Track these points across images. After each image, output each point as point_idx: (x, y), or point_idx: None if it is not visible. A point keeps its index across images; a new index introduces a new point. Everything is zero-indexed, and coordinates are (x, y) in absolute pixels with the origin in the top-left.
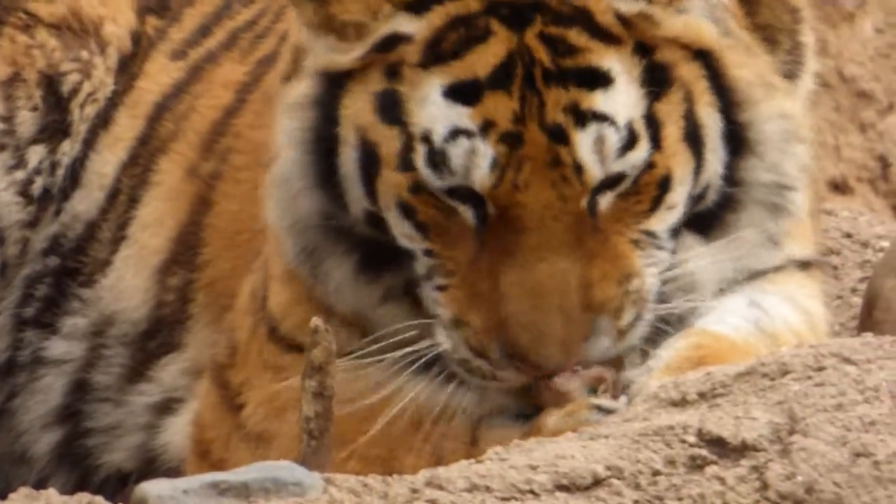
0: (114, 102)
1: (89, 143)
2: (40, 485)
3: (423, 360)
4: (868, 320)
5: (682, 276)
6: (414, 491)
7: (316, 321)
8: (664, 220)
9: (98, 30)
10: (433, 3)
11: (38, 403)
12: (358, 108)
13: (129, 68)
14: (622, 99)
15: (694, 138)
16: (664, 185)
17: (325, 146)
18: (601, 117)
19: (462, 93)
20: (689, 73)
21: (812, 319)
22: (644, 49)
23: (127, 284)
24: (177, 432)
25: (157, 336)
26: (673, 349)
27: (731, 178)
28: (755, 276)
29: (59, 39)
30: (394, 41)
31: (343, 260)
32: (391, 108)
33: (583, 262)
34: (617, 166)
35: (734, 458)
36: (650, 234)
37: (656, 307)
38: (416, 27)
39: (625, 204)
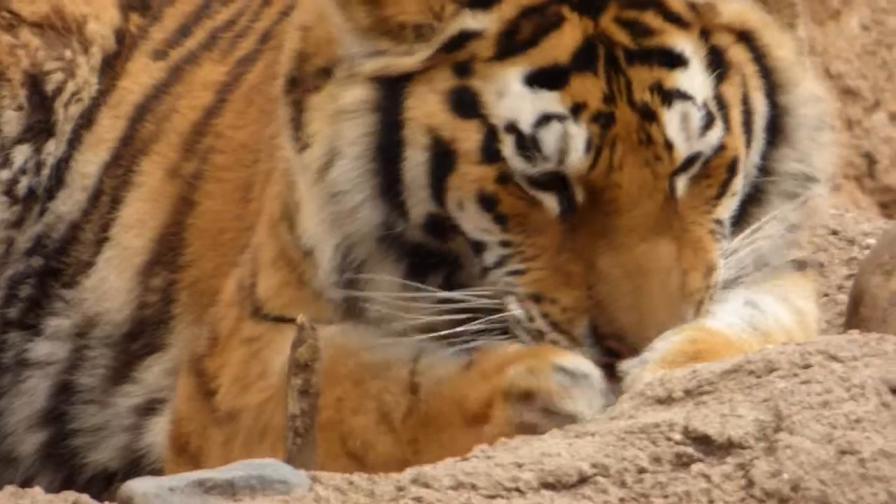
0: (97, 102)
1: (73, 143)
2: (26, 484)
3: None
4: (854, 317)
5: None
6: (399, 489)
7: (302, 318)
8: (728, 208)
9: (81, 28)
10: None
11: (23, 405)
12: (427, 108)
13: (112, 67)
14: (698, 79)
15: (748, 125)
16: (733, 167)
17: (388, 153)
18: (684, 95)
19: (545, 78)
20: (739, 55)
21: (805, 319)
22: (706, 33)
23: (109, 286)
24: (160, 433)
25: (140, 337)
26: (669, 342)
27: (765, 168)
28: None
29: (42, 38)
30: (462, 39)
31: (393, 269)
32: (467, 104)
33: (676, 245)
34: (699, 145)
35: (720, 456)
36: (719, 223)
37: None
38: (485, 22)
39: (698, 189)
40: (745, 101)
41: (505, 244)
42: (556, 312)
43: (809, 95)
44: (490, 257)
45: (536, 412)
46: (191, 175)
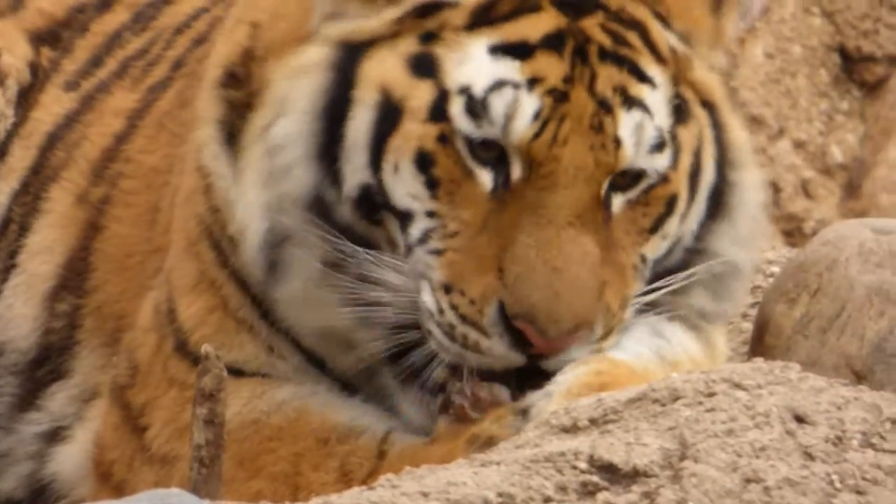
0: (10, 134)
1: None
2: None
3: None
4: (759, 346)
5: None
6: None
7: (207, 347)
8: (656, 249)
9: None
10: None
11: None
12: (384, 68)
13: (24, 100)
14: (660, 104)
15: (693, 181)
16: (671, 204)
17: (334, 112)
18: (645, 108)
19: (511, 49)
20: (701, 116)
21: (713, 350)
22: (675, 80)
23: (16, 313)
24: (66, 461)
25: (46, 363)
26: (573, 374)
27: (699, 241)
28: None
29: None
30: (436, 7)
31: (316, 251)
32: (425, 66)
33: (602, 254)
34: (645, 161)
35: (625, 485)
36: (643, 261)
37: None
38: None
39: (633, 215)
40: (697, 156)
41: (431, 214)
42: (465, 304)
43: (756, 182)
44: (414, 231)
45: None
46: (99, 200)
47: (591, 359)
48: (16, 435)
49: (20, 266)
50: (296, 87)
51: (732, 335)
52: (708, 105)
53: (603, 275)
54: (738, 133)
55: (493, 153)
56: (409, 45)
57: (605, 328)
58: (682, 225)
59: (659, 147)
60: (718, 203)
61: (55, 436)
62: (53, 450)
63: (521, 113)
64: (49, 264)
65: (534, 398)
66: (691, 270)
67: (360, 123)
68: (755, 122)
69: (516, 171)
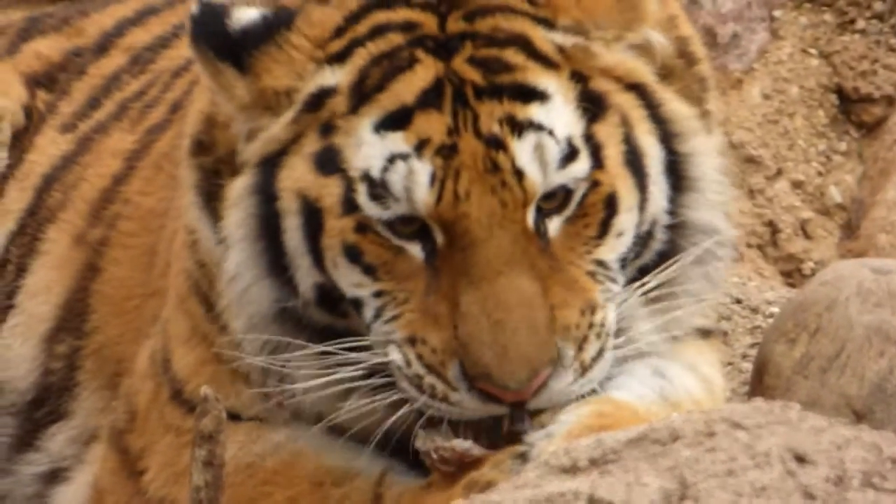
0: (5, 176)
1: None
2: None
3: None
4: (758, 386)
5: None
6: None
7: (206, 389)
8: (614, 249)
9: None
10: (355, 47)
11: None
12: (296, 174)
13: (20, 142)
14: (560, 114)
15: (635, 166)
16: (610, 204)
17: (270, 230)
18: (538, 127)
19: (392, 121)
20: (625, 101)
21: (713, 388)
22: (579, 76)
23: (14, 353)
24: (65, 502)
25: (45, 404)
26: (575, 415)
27: (676, 217)
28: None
29: None
30: (322, 97)
31: (306, 353)
32: (329, 161)
33: (542, 282)
34: (559, 178)
35: None
36: (602, 265)
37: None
38: (340, 76)
39: (574, 229)
40: (629, 142)
41: (378, 294)
42: (428, 354)
43: (710, 147)
44: (368, 312)
45: None
46: (97, 242)
47: (594, 400)
48: (14, 476)
49: (18, 306)
50: (231, 221)
51: (732, 375)
52: (634, 87)
53: (552, 299)
54: (676, 105)
55: (414, 226)
56: (311, 142)
57: (575, 344)
58: (643, 213)
59: (570, 157)
60: (679, 176)
61: (54, 477)
62: (52, 491)
63: (417, 183)
64: (47, 305)
65: (534, 438)
66: (678, 257)
67: (293, 232)
68: (753, 162)
69: (439, 238)
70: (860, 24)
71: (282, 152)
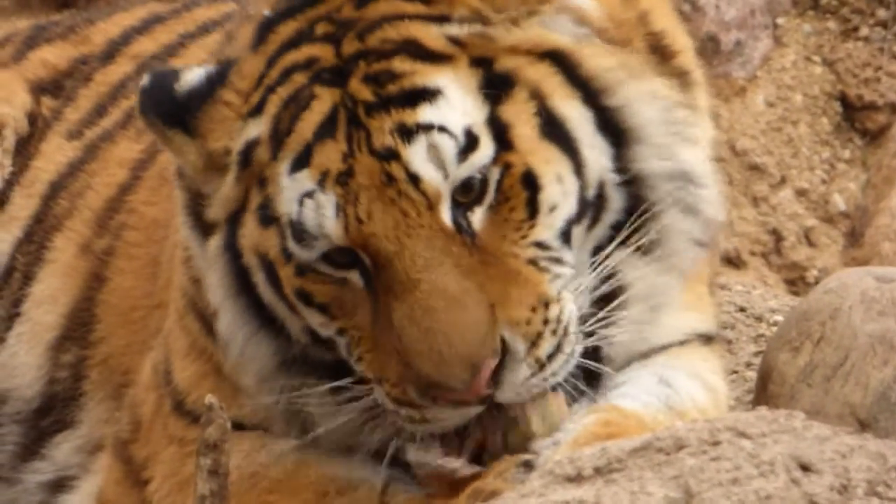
0: (10, 183)
1: None
2: None
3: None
4: (763, 394)
5: (616, 290)
6: None
7: (210, 398)
8: (551, 226)
9: None
10: (269, 95)
11: None
12: (248, 231)
13: (25, 149)
14: (453, 107)
15: (557, 134)
16: (530, 183)
17: (247, 285)
18: (428, 127)
19: (299, 161)
20: (537, 72)
21: (717, 396)
22: (482, 61)
23: (20, 361)
24: None
25: (51, 413)
26: (581, 424)
27: (626, 172)
28: (662, 349)
29: None
30: (250, 151)
31: (320, 391)
32: (266, 213)
33: (472, 278)
34: (463, 171)
35: None
36: (542, 246)
37: (581, 337)
38: (260, 127)
39: (500, 216)
40: (545, 113)
41: (341, 332)
42: (391, 388)
43: (644, 92)
44: (341, 350)
45: None
46: (103, 251)
47: (601, 408)
48: (20, 485)
49: (24, 315)
50: (212, 282)
51: (736, 384)
52: (548, 55)
53: (490, 295)
54: (597, 60)
55: (348, 256)
56: (255, 197)
57: (526, 340)
58: (583, 178)
59: (470, 147)
60: (616, 131)
61: (60, 486)
62: (58, 500)
63: (325, 216)
64: (53, 314)
65: (540, 447)
66: (645, 206)
67: (263, 286)
68: (756, 170)
69: (367, 261)
70: (864, 31)
71: (238, 210)
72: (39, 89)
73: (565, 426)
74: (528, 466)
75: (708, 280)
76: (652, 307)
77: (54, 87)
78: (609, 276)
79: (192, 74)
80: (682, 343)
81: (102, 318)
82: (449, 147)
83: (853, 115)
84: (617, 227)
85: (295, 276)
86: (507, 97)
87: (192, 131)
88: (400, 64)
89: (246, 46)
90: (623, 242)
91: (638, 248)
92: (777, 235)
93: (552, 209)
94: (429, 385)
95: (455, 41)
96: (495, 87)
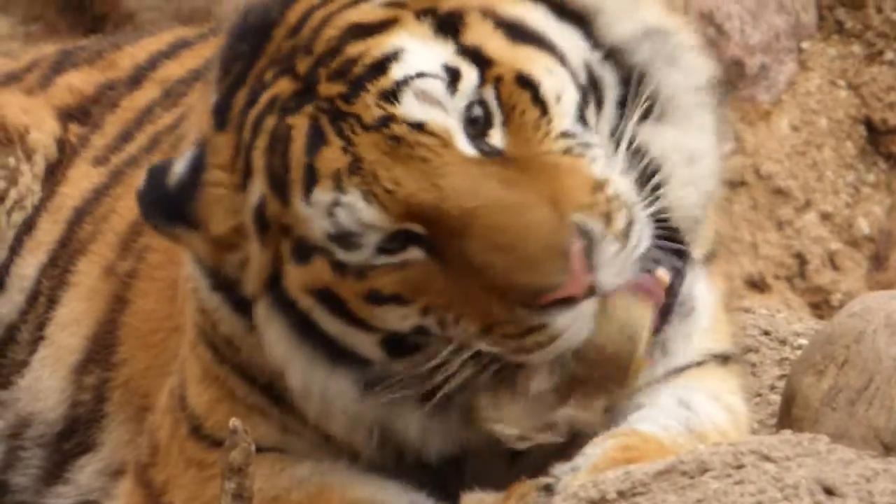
0: (38, 209)
1: (15, 248)
2: None
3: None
4: (787, 418)
5: (650, 162)
6: None
7: (234, 422)
8: (565, 113)
9: (23, 137)
10: (250, 153)
11: None
12: (294, 276)
13: (53, 175)
14: (419, 56)
15: (521, 34)
16: (526, 82)
17: (308, 329)
18: (407, 80)
19: (307, 185)
20: None
21: (737, 418)
22: (426, 11)
23: (44, 385)
24: None
25: (73, 436)
26: (601, 448)
27: (603, 47)
28: (679, 371)
29: None
30: (261, 214)
31: (413, 408)
32: (305, 250)
33: (520, 187)
34: (459, 101)
35: None
36: (567, 135)
37: (649, 205)
38: (258, 186)
39: (516, 125)
40: (503, 23)
41: (424, 312)
42: (505, 327)
43: None
44: (433, 329)
45: None
46: (126, 273)
47: (621, 432)
48: None
49: (48, 338)
50: (271, 342)
51: (760, 407)
52: None
53: (544, 192)
54: None
55: (398, 238)
56: (286, 247)
57: (601, 219)
58: (567, 65)
59: (454, 78)
60: (574, 14)
61: None
62: None
63: (359, 208)
64: (76, 336)
65: (560, 472)
66: (635, 73)
67: (326, 320)
68: (781, 194)
69: (418, 230)
70: (888, 55)
71: (273, 272)
72: (67, 115)
73: (584, 451)
74: (549, 490)
75: (723, 298)
76: (688, 161)
77: (81, 113)
78: (636, 153)
79: (180, 164)
80: (699, 364)
81: (125, 340)
82: (435, 86)
83: (878, 139)
84: (623, 105)
85: (357, 282)
86: (463, 27)
87: (193, 222)
88: (353, 48)
89: (209, 128)
90: (632, 117)
91: (646, 116)
92: (801, 259)
93: (558, 99)
94: (535, 293)
95: (392, 4)
96: (448, 26)
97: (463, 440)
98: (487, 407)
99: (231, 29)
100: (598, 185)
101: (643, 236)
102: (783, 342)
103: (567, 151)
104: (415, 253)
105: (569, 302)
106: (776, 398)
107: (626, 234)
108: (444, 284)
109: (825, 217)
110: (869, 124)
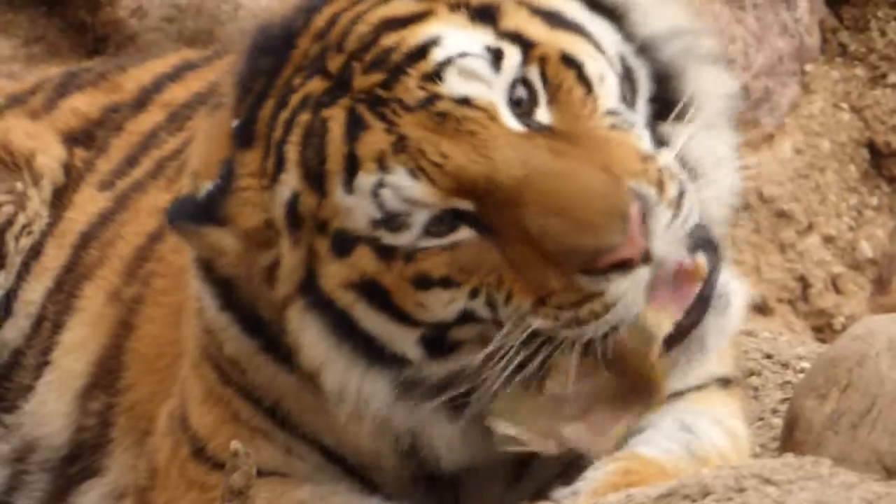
0: (44, 234)
1: (21, 273)
2: None
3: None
4: (789, 441)
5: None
6: None
7: (235, 444)
8: (609, 93)
9: (30, 162)
10: (283, 148)
11: None
12: (331, 274)
13: (59, 200)
14: (459, 38)
15: (562, 23)
16: (570, 62)
17: (346, 328)
18: (449, 60)
19: (348, 173)
20: None
21: (738, 442)
22: (458, 5)
23: (49, 409)
24: None
25: (78, 461)
26: (602, 472)
27: (635, 41)
28: (680, 395)
29: None
30: (294, 208)
31: (446, 418)
32: (344, 242)
33: (572, 157)
34: (503, 78)
35: None
36: (613, 113)
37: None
38: (291, 180)
39: (561, 103)
40: (540, 12)
41: (474, 293)
42: (561, 296)
43: None
44: (483, 312)
45: None
46: (131, 299)
47: (621, 456)
48: None
49: (53, 363)
50: (306, 344)
51: (763, 431)
52: None
53: (597, 160)
54: None
55: (446, 219)
56: (322, 244)
57: (653, 185)
58: (604, 53)
59: (497, 57)
60: (606, 9)
61: None
62: None
63: (406, 186)
64: (82, 362)
65: (560, 496)
66: (666, 70)
67: (367, 316)
68: (784, 216)
69: (467, 206)
70: (892, 78)
71: (309, 275)
72: (72, 139)
73: (585, 475)
74: None
75: None
76: (716, 165)
77: (86, 137)
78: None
79: (204, 184)
80: (700, 387)
81: (130, 365)
82: (479, 64)
83: (881, 162)
84: (653, 102)
85: (405, 265)
86: (499, 15)
87: (222, 220)
88: (388, 40)
89: (233, 149)
90: (664, 117)
91: (679, 117)
92: (804, 282)
93: (601, 79)
94: (594, 254)
95: None
96: (484, 15)
97: (482, 455)
98: (498, 399)
99: (247, 48)
100: (647, 156)
101: (693, 209)
102: (785, 365)
103: (614, 127)
104: (465, 233)
105: (626, 266)
106: (778, 422)
107: (678, 204)
108: (495, 261)
109: (828, 240)
110: (872, 147)
